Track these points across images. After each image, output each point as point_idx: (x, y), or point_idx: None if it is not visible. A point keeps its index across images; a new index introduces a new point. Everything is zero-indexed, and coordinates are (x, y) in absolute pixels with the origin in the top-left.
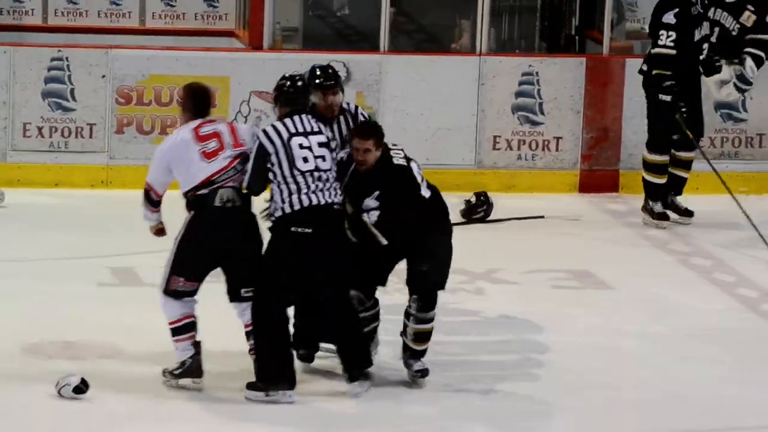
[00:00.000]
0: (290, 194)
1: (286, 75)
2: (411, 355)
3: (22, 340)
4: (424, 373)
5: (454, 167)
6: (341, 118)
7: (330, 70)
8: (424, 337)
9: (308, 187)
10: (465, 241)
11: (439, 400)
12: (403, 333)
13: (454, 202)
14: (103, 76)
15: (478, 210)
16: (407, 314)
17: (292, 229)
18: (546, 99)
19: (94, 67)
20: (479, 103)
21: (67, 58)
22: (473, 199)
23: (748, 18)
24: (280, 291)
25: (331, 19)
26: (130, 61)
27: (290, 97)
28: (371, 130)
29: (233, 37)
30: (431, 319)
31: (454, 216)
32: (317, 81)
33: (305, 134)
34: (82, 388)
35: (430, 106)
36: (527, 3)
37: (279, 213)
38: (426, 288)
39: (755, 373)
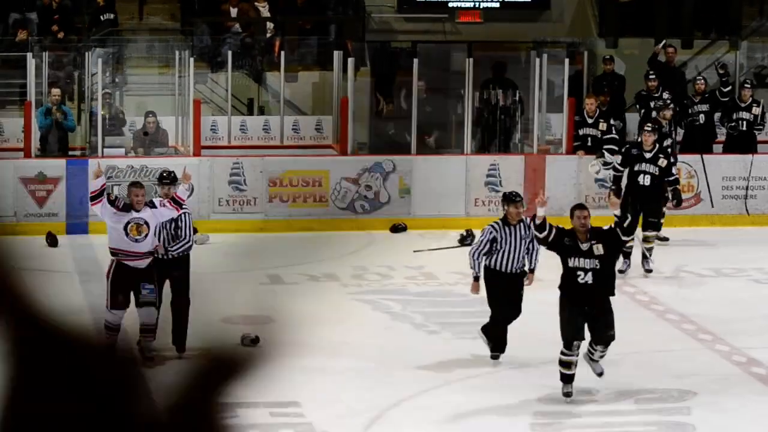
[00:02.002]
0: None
1: None
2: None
3: None
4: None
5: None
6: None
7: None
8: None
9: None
10: None
11: None
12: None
13: (453, 235)
14: (261, 172)
15: (467, 240)
16: (590, 353)
17: None
18: (504, 178)
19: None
20: (467, 183)
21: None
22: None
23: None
24: None
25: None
26: (274, 163)
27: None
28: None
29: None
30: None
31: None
32: (507, 194)
33: None
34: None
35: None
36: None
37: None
38: (609, 341)
39: None
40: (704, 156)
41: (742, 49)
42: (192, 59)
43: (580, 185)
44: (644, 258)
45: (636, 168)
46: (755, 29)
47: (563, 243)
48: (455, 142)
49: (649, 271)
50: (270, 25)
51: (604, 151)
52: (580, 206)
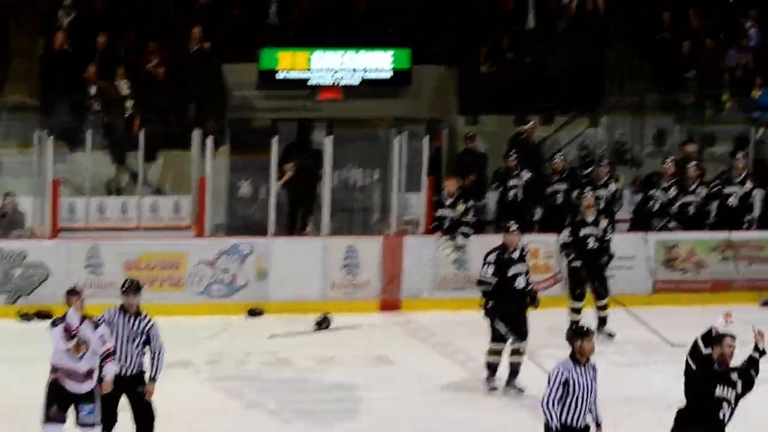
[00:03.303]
0: None
1: None
2: None
3: None
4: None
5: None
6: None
7: None
8: None
9: None
10: None
11: None
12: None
13: (310, 319)
14: (118, 255)
15: (323, 324)
16: None
17: None
18: (361, 260)
19: None
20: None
21: None
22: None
23: None
24: None
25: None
26: (130, 246)
27: None
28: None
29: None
30: None
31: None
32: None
33: None
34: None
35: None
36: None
37: None
38: None
39: None
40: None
41: (603, 125)
42: (51, 138)
43: (438, 267)
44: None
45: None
46: (616, 105)
47: None
48: (313, 224)
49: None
50: (130, 103)
51: (458, 233)
52: None
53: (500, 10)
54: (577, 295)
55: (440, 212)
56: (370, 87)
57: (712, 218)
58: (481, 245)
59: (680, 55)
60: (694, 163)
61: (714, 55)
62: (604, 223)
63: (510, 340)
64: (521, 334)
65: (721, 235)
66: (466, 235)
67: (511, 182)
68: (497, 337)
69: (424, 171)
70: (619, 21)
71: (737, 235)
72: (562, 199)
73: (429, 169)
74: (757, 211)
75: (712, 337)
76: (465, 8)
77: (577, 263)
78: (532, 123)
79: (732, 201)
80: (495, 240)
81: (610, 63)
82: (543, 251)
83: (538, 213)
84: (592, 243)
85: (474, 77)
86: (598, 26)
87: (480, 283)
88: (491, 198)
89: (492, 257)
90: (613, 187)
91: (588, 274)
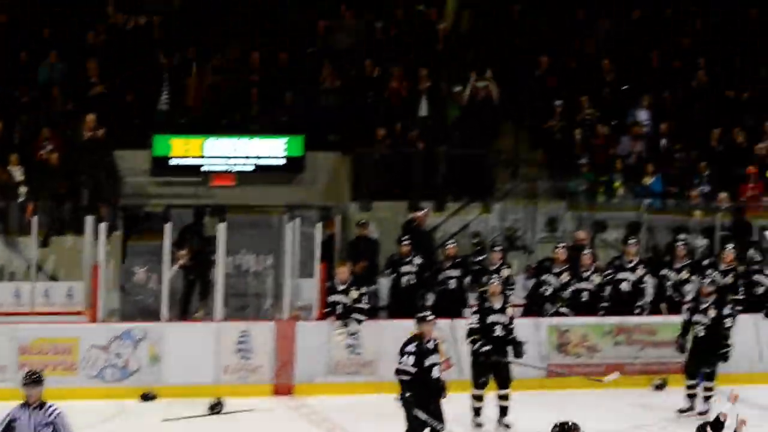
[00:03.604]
0: None
1: None
2: None
3: None
4: None
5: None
6: None
7: None
8: None
9: None
10: None
11: None
12: None
13: (204, 403)
14: (11, 340)
15: (216, 409)
16: None
17: None
18: (254, 345)
19: None
20: (217, 350)
21: None
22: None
23: None
24: None
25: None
26: (24, 330)
27: None
28: None
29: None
30: None
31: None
32: None
33: None
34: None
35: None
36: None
37: None
38: None
39: None
40: (454, 321)
41: (495, 211)
42: None
43: (331, 352)
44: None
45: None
46: (508, 192)
47: None
48: (206, 309)
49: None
50: (23, 189)
51: (350, 319)
52: None
53: (394, 98)
54: (480, 383)
55: (333, 298)
56: (263, 173)
57: (605, 304)
58: (374, 331)
59: (572, 143)
60: (588, 250)
61: (606, 142)
62: (510, 311)
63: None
64: (442, 421)
65: (614, 320)
66: (359, 321)
67: (404, 268)
68: (417, 427)
69: (317, 257)
70: (511, 109)
71: (630, 320)
72: (455, 286)
73: (322, 255)
74: (648, 297)
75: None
76: (359, 95)
77: (486, 349)
78: (425, 210)
79: (624, 287)
80: (389, 326)
81: (503, 150)
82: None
83: (430, 299)
84: (499, 330)
85: (367, 164)
86: (490, 114)
87: (399, 372)
88: (384, 284)
89: (412, 347)
90: (505, 273)
91: (494, 361)
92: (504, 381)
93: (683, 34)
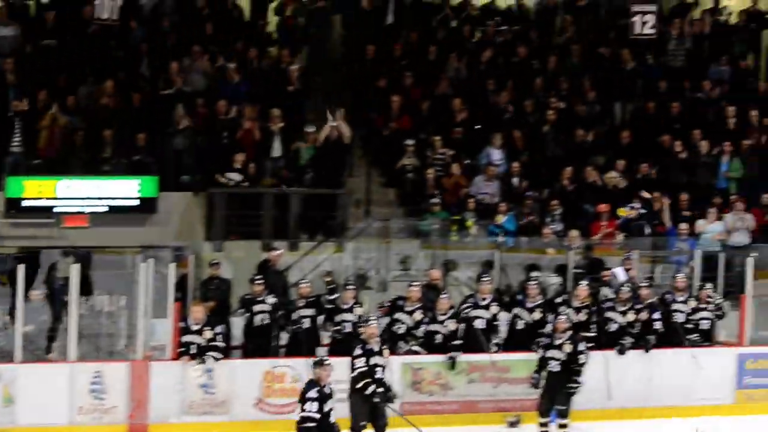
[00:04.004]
0: None
1: None
2: None
3: None
4: None
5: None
6: None
7: None
8: None
9: None
10: None
11: None
12: None
13: None
14: None
15: None
16: None
17: None
18: (108, 385)
19: None
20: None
21: None
22: None
23: None
24: None
25: None
26: None
27: None
28: None
29: None
30: None
31: None
32: None
33: None
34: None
35: None
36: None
37: None
38: None
39: None
40: (309, 360)
41: (348, 250)
42: None
43: (185, 392)
44: None
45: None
46: (361, 231)
47: None
48: (59, 349)
49: None
50: None
51: (207, 356)
52: None
53: (247, 138)
54: (360, 427)
55: (187, 338)
56: (117, 214)
57: (459, 342)
58: (228, 371)
59: (425, 182)
60: (446, 294)
61: (459, 181)
62: (387, 353)
63: None
64: None
65: (468, 358)
66: (216, 359)
67: (257, 308)
68: None
69: (171, 297)
70: (364, 149)
71: (484, 358)
72: (309, 325)
73: (175, 295)
74: (503, 334)
75: None
76: (211, 135)
77: (381, 391)
78: (278, 250)
79: (478, 324)
80: (242, 365)
81: (355, 189)
82: (290, 375)
83: (284, 338)
84: (380, 373)
85: (220, 204)
86: (343, 154)
87: (305, 420)
88: (237, 323)
89: (313, 393)
90: (358, 311)
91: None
92: (383, 426)
93: (534, 73)
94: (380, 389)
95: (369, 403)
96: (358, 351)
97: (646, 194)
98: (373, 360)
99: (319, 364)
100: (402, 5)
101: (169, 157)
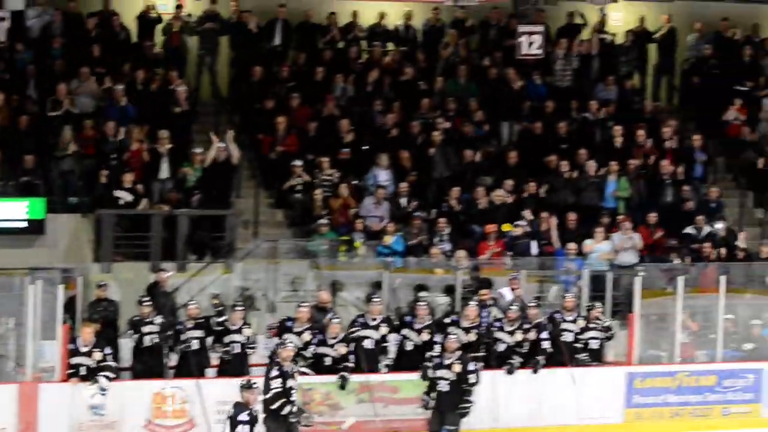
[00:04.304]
0: None
1: None
2: None
3: None
4: None
5: None
6: None
7: None
8: None
9: None
10: None
11: None
12: None
13: None
14: None
15: None
16: None
17: None
18: None
19: None
20: None
21: None
22: None
23: None
24: None
25: None
26: None
27: None
28: None
29: None
30: None
31: None
32: None
33: None
34: None
35: None
36: None
37: None
38: None
39: None
40: (199, 381)
41: (237, 271)
42: None
43: (74, 413)
44: None
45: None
46: (249, 252)
47: None
48: None
49: None
50: None
51: (99, 377)
52: None
53: (134, 160)
54: None
55: (76, 360)
56: (4, 236)
57: (350, 365)
58: (117, 392)
59: (313, 202)
60: (338, 318)
61: (347, 202)
62: (297, 375)
63: None
64: None
65: (358, 378)
66: (108, 379)
67: (146, 329)
68: None
69: (59, 319)
70: (253, 170)
71: (373, 378)
72: (198, 346)
73: (64, 317)
74: (392, 354)
75: None
76: (100, 157)
77: (295, 410)
78: (167, 271)
79: (367, 344)
80: (131, 387)
81: (243, 210)
82: (179, 396)
83: (173, 359)
84: (294, 394)
85: (108, 225)
86: (231, 175)
87: None
88: (126, 345)
89: (245, 416)
90: (247, 332)
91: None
92: None
93: (421, 94)
94: (296, 409)
95: (285, 424)
96: (274, 372)
97: (529, 215)
98: (289, 382)
99: (246, 387)
100: (288, 27)
101: (56, 179)
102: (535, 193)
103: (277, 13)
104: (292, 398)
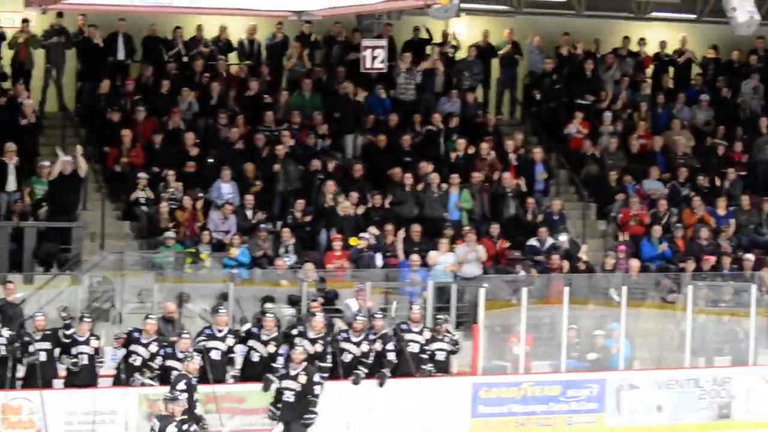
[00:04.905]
0: None
1: None
2: None
3: None
4: None
5: None
6: None
7: None
8: None
9: None
10: None
11: None
12: None
13: None
14: None
15: None
16: None
17: None
18: None
19: None
20: None
21: None
22: None
23: None
24: None
25: None
26: None
27: None
28: None
29: None
30: None
31: None
32: None
33: None
34: None
35: None
36: None
37: None
38: None
39: None
40: (44, 392)
41: (83, 283)
42: None
43: None
44: None
45: None
46: (96, 264)
47: None
48: None
49: None
50: None
51: None
52: None
53: None
54: None
55: None
56: None
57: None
58: None
59: (158, 215)
60: (187, 334)
61: (193, 215)
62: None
63: None
64: None
65: (204, 389)
66: None
67: None
68: None
69: None
70: (99, 182)
71: (220, 389)
72: (45, 358)
73: None
74: (238, 365)
75: None
76: None
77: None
78: (13, 283)
79: (215, 356)
80: None
81: (90, 223)
82: (27, 407)
83: (20, 370)
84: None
85: None
86: (77, 188)
87: None
88: None
89: (173, 428)
90: (94, 343)
91: None
92: None
93: (265, 107)
94: (200, 423)
95: None
96: (182, 386)
97: (375, 230)
98: (196, 395)
99: (171, 399)
100: (131, 41)
101: None
102: (380, 206)
103: (118, 27)
104: (196, 411)
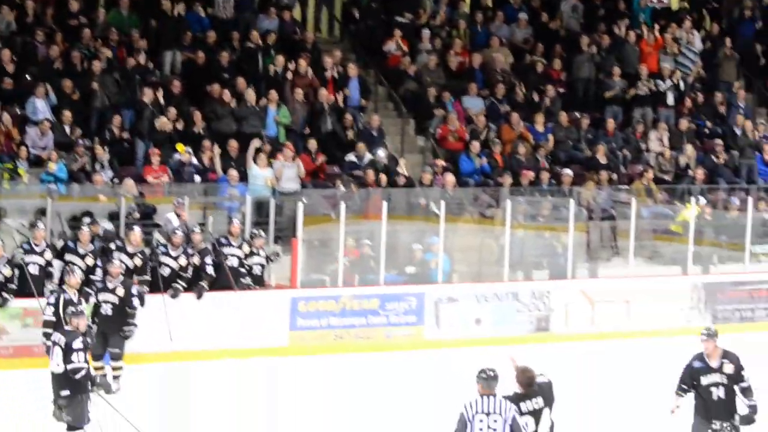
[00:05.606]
0: None
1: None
2: None
3: None
4: None
5: None
6: None
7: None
8: None
9: None
10: None
11: None
12: None
13: None
14: None
15: None
16: None
17: None
18: None
19: None
20: None
21: None
22: None
23: None
24: None
25: None
26: None
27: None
28: None
29: None
30: None
31: None
32: None
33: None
34: None
35: None
36: None
37: None
38: None
39: None
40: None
41: None
42: None
43: None
44: None
45: None
46: None
47: None
48: None
49: None
50: None
51: None
52: None
53: None
54: None
55: None
56: None
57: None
58: None
59: None
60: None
61: (10, 131)
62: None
63: None
64: None
65: (21, 303)
66: None
67: None
68: None
69: None
70: None
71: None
72: None
73: None
74: (56, 280)
75: None
76: None
77: None
78: None
79: (32, 270)
80: None
81: None
82: None
83: None
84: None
85: None
86: None
87: (77, 371)
88: None
89: (78, 343)
90: None
91: None
92: None
93: (82, 25)
94: None
95: None
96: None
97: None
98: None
99: (76, 314)
100: None
101: None
102: (199, 122)
103: None
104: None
